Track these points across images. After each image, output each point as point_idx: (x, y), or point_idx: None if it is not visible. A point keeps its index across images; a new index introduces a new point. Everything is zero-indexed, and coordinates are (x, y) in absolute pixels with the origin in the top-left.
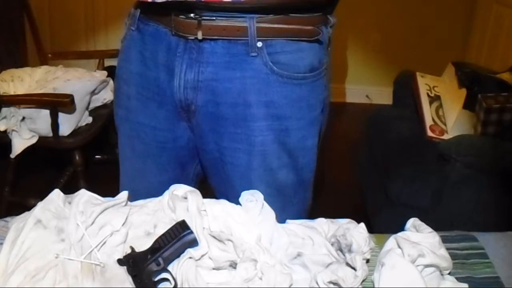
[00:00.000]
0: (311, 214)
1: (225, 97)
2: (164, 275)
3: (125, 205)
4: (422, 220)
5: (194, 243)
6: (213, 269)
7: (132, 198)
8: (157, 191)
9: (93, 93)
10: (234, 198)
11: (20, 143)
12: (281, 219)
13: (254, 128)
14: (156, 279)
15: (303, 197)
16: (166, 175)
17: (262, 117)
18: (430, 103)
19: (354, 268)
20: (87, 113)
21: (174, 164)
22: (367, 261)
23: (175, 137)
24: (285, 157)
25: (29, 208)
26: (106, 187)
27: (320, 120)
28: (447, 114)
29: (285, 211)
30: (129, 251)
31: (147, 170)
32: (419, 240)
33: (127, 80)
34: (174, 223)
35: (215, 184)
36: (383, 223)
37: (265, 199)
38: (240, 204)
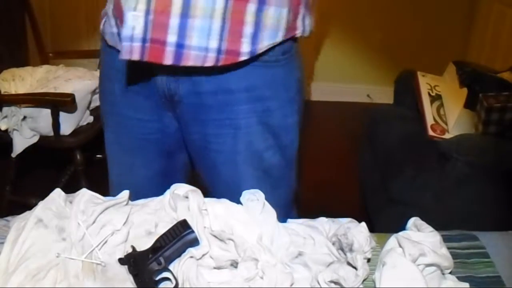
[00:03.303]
0: (312, 213)
1: (205, 86)
2: (165, 274)
3: (126, 204)
4: (423, 219)
5: (195, 242)
6: (214, 268)
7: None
8: (145, 185)
9: (94, 92)
10: (221, 186)
11: (21, 143)
12: (271, 202)
13: (238, 111)
14: (157, 278)
15: (290, 177)
16: (153, 168)
17: (244, 101)
18: (431, 102)
19: (355, 268)
20: (88, 112)
21: (161, 156)
22: (368, 260)
23: (163, 126)
24: (270, 138)
25: (30, 207)
26: (107, 186)
27: (298, 100)
28: (448, 113)
29: (274, 194)
30: (130, 250)
31: (134, 164)
32: (420, 240)
33: (110, 76)
34: (175, 222)
35: (201, 173)
36: (384, 222)
37: (253, 183)
38: (241, 203)
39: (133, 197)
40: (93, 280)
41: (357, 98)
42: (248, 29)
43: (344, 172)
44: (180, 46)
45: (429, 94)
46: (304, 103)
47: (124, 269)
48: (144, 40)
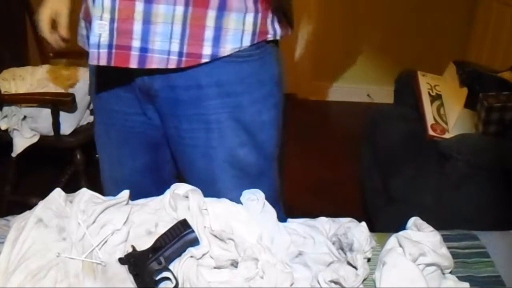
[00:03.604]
0: (312, 213)
1: (178, 81)
2: (165, 274)
3: (126, 204)
4: (423, 219)
5: (195, 242)
6: (214, 268)
7: (112, 186)
8: (133, 178)
9: None
10: (198, 182)
11: (21, 142)
12: None
13: (209, 106)
14: (157, 278)
15: (270, 175)
16: (141, 161)
17: (215, 96)
18: (431, 102)
19: (355, 267)
20: (88, 112)
21: (147, 149)
22: (368, 260)
23: (147, 119)
24: (243, 135)
25: (30, 207)
26: None
27: (275, 95)
28: (448, 113)
29: None
30: (130, 250)
31: (122, 157)
32: (420, 239)
33: (95, 72)
34: (175, 222)
35: (180, 167)
36: (384, 222)
37: (230, 180)
38: (241, 203)
39: (122, 190)
40: (93, 279)
41: (357, 98)
42: (209, 33)
43: (344, 172)
44: (144, 50)
45: (429, 93)
46: (284, 98)
47: (124, 268)
48: (110, 47)
